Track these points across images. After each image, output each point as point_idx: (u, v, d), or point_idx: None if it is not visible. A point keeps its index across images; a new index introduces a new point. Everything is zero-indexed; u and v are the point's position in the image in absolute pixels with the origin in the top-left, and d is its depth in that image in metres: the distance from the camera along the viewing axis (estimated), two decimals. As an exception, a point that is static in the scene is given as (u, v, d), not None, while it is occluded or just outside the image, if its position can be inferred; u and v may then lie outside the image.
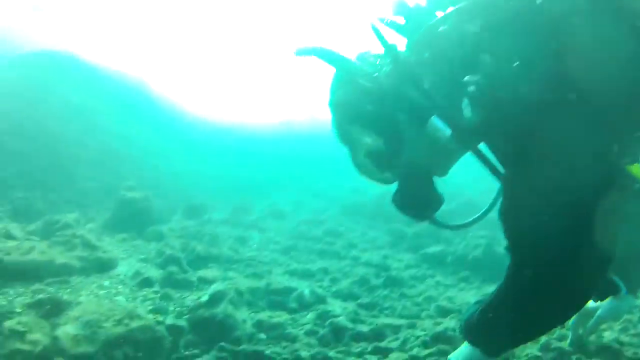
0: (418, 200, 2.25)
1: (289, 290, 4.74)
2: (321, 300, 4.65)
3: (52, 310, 3.59)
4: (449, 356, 2.44)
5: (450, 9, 1.99)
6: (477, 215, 2.45)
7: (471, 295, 5.10)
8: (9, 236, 5.37)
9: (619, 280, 1.94)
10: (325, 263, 6.23)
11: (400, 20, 2.14)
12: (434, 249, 6.61)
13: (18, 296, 4.04)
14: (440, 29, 1.97)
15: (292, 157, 16.13)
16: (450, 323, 3.92)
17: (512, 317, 1.88)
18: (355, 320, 4.09)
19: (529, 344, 3.25)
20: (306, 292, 4.72)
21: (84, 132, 11.84)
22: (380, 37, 2.06)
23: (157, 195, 8.07)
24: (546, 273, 1.71)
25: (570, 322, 3.12)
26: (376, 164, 2.32)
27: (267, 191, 12.47)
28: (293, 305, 4.51)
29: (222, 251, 6.15)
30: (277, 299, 4.61)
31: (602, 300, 2.96)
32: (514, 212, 1.83)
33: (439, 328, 3.67)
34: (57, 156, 10.10)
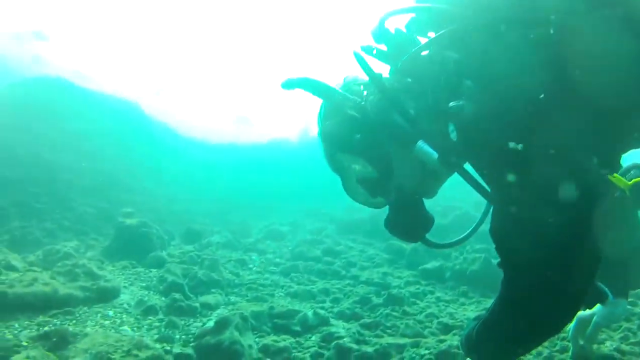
0: (409, 222, 2.32)
1: (292, 313, 4.77)
2: (324, 321, 4.69)
3: (59, 342, 3.62)
4: None
5: (430, 34, 2.09)
6: (465, 234, 2.54)
7: (472, 309, 5.16)
8: (10, 267, 5.38)
9: (604, 286, 2.02)
10: (325, 283, 6.27)
11: (383, 48, 2.22)
12: (432, 264, 6.65)
13: (23, 329, 4.06)
14: (423, 54, 2.06)
15: (286, 176, 16.19)
16: (453, 340, 3.97)
17: (508, 331, 1.96)
18: (359, 341, 4.15)
19: (531, 357, 3.33)
20: (309, 314, 4.76)
21: (78, 158, 11.87)
22: (365, 66, 2.13)
23: (153, 220, 8.07)
24: (537, 287, 1.78)
25: (570, 334, 3.20)
26: (367, 189, 2.40)
27: (263, 212, 12.50)
28: (297, 328, 4.54)
29: (223, 275, 6.16)
30: (281, 322, 4.62)
31: (590, 307, 3.05)
32: (502, 230, 1.91)
33: (443, 346, 3.72)
34: (52, 184, 10.12)
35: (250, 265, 7.32)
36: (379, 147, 2.25)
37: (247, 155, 20.13)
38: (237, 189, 15.22)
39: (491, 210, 2.03)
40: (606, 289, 1.90)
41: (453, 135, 1.94)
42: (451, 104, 1.86)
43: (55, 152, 11.49)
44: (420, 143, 2.04)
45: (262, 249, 8.41)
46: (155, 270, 6.39)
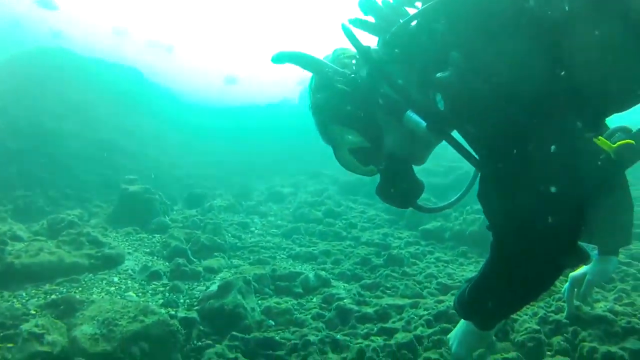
0: (400, 189, 2.39)
1: (294, 275, 4.88)
2: (325, 283, 4.79)
3: (66, 310, 3.70)
4: (448, 335, 2.60)
5: (418, 4, 2.14)
6: (454, 198, 2.63)
7: (470, 270, 5.24)
8: (16, 238, 5.47)
9: (593, 245, 2.09)
10: (327, 245, 6.36)
11: (370, 19, 2.24)
12: (432, 225, 6.73)
13: (31, 298, 4.15)
14: (412, 24, 2.08)
15: (287, 137, 16.14)
16: (451, 300, 4.05)
17: (498, 291, 2.04)
18: (359, 302, 4.23)
19: (527, 317, 3.41)
20: (311, 276, 4.85)
21: (80, 127, 11.83)
22: (353, 39, 2.16)
23: (156, 186, 8.12)
24: (523, 250, 1.85)
25: (565, 295, 3.28)
26: (359, 159, 2.45)
27: (264, 174, 12.56)
28: (299, 290, 4.64)
29: (226, 239, 6.26)
30: (283, 284, 4.72)
31: (572, 268, 3.13)
32: (490, 194, 1.97)
33: (441, 307, 3.81)
34: (54, 152, 10.13)
35: (252, 228, 7.41)
36: (370, 117, 2.30)
37: (246, 117, 20.10)
38: (237, 152, 15.25)
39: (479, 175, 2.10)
40: (587, 249, 1.96)
41: (440, 105, 1.99)
42: (438, 74, 1.90)
43: (58, 120, 11.45)
44: (409, 113, 2.09)
45: (263, 212, 8.50)
46: (158, 235, 6.49)
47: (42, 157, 9.70)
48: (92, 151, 10.92)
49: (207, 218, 7.18)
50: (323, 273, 4.98)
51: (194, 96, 23.45)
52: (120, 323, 3.39)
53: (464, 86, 1.86)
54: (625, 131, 2.10)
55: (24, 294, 4.21)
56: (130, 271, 5.04)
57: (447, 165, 9.04)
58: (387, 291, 4.57)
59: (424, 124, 2.05)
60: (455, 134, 2.09)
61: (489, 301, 2.10)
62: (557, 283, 4.01)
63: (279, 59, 2.30)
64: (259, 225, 7.61)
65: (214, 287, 4.23)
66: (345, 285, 4.84)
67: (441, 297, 4.24)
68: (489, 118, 1.86)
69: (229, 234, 6.65)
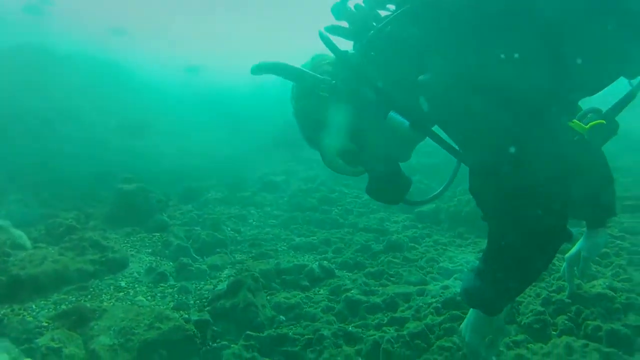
0: (389, 188, 2.50)
1: (298, 268, 4.92)
2: (330, 274, 4.86)
3: (78, 320, 3.70)
4: (460, 326, 2.70)
5: (390, 6, 2.25)
6: (438, 191, 2.81)
7: (469, 251, 5.35)
8: (17, 246, 5.44)
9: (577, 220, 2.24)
10: (325, 233, 6.43)
11: (344, 24, 2.32)
12: (427, 206, 6.82)
13: (41, 310, 4.13)
14: (388, 29, 2.19)
15: (272, 122, 16.08)
16: (455, 285, 4.17)
17: (500, 277, 2.15)
18: (366, 292, 4.31)
19: (531, 299, 3.53)
20: (315, 267, 4.92)
21: (66, 125, 11.76)
22: (331, 46, 2.25)
23: (147, 180, 8.07)
24: (520, 238, 1.99)
25: (565, 275, 3.40)
26: (347, 161, 2.53)
27: (254, 162, 12.50)
28: (305, 282, 4.70)
29: (226, 234, 6.30)
30: (289, 278, 4.78)
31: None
32: (481, 189, 2.11)
33: (448, 293, 3.91)
34: (42, 153, 10.07)
35: (250, 220, 7.42)
36: (354, 121, 2.40)
37: (231, 104, 19.98)
38: (224, 140, 15.17)
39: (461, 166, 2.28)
40: (569, 229, 2.09)
41: (424, 106, 2.11)
42: (420, 77, 1.99)
43: (43, 121, 11.35)
44: (392, 114, 2.19)
45: (259, 202, 8.49)
46: (158, 234, 6.48)
47: (31, 159, 9.64)
48: (79, 149, 10.85)
49: (205, 213, 7.21)
50: (326, 263, 5.05)
51: (167, 84, 23.24)
52: (137, 331, 3.45)
53: (447, 88, 1.99)
54: (596, 112, 2.23)
55: (33, 306, 4.19)
56: (135, 274, 5.06)
57: (434, 145, 9.08)
58: (392, 279, 4.65)
59: (407, 123, 2.16)
60: (435, 127, 2.22)
61: (494, 286, 2.21)
62: (555, 262, 4.16)
63: (259, 69, 2.36)
64: (256, 217, 7.62)
65: (222, 286, 4.29)
66: (350, 274, 4.92)
67: (445, 283, 4.34)
68: (474, 117, 1.99)
69: (228, 228, 6.68)
